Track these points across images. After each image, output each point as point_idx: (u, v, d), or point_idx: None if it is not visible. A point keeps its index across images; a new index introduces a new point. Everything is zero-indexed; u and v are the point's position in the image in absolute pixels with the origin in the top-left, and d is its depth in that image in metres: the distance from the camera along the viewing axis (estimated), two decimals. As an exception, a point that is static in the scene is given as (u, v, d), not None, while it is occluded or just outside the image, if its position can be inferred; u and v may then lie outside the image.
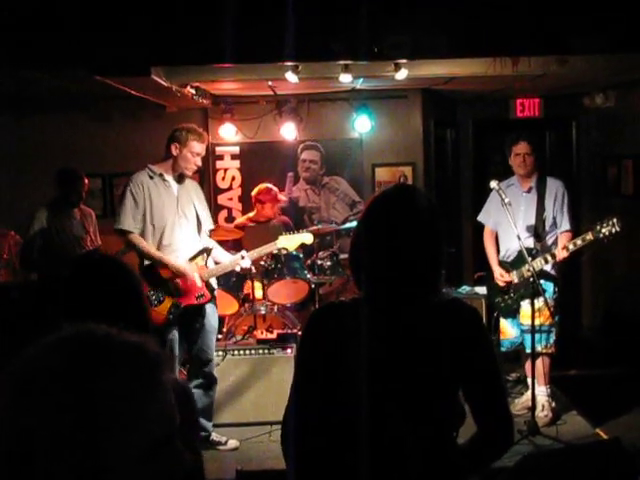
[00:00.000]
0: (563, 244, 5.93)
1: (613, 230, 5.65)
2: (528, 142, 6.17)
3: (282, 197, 7.54)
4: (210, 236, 5.91)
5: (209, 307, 5.70)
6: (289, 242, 6.08)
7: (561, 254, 5.86)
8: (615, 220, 5.65)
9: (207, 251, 5.69)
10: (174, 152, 5.49)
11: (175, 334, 5.55)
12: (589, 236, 5.75)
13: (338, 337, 2.30)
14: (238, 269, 5.92)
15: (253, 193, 7.48)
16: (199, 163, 5.60)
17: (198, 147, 5.52)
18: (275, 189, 7.43)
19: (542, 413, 6.08)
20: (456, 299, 2.49)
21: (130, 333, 1.25)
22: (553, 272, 6.10)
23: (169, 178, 5.54)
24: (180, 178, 5.58)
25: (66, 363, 1.16)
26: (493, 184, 5.94)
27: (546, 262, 5.92)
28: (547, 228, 6.17)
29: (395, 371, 2.25)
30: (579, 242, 5.82)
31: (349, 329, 2.28)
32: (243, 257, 5.79)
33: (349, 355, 2.26)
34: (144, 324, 2.18)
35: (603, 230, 5.68)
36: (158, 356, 1.25)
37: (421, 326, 2.29)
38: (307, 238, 6.23)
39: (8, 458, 1.12)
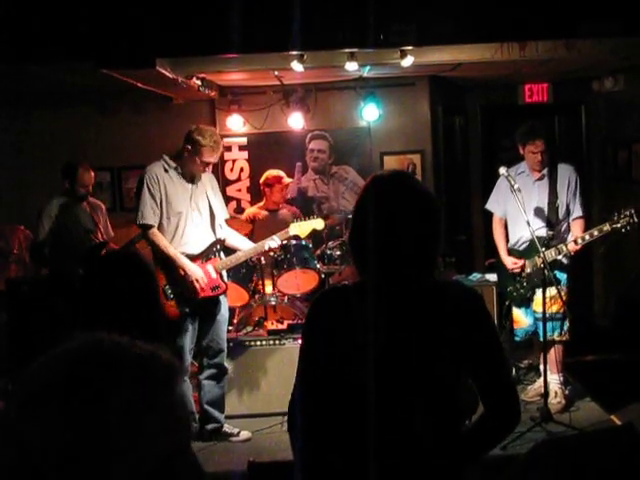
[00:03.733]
0: (575, 235, 5.88)
1: (631, 221, 5.58)
2: (544, 139, 6.06)
3: (288, 180, 7.51)
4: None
5: (222, 298, 5.72)
6: (301, 229, 6.09)
7: (573, 246, 5.80)
8: (633, 211, 5.57)
9: (219, 242, 5.69)
10: (185, 154, 5.47)
11: (190, 326, 5.56)
12: (606, 227, 5.67)
13: (341, 320, 2.31)
14: (266, 247, 5.87)
15: (261, 180, 7.48)
16: (208, 171, 5.57)
17: (210, 158, 5.47)
18: (282, 173, 7.42)
19: (555, 400, 6.05)
20: (456, 281, 2.52)
21: (142, 342, 1.21)
22: (566, 261, 6.04)
23: (184, 173, 5.53)
24: (192, 175, 5.56)
25: (72, 377, 1.14)
26: (502, 170, 5.90)
27: (559, 253, 5.86)
28: (560, 216, 6.10)
29: (398, 352, 2.26)
30: (596, 233, 5.74)
31: (351, 312, 2.28)
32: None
33: (352, 338, 2.27)
34: (158, 322, 2.16)
35: (621, 221, 5.60)
36: (170, 366, 1.21)
37: (422, 307, 2.30)
38: (318, 223, 6.23)
39: (11, 475, 1.10)
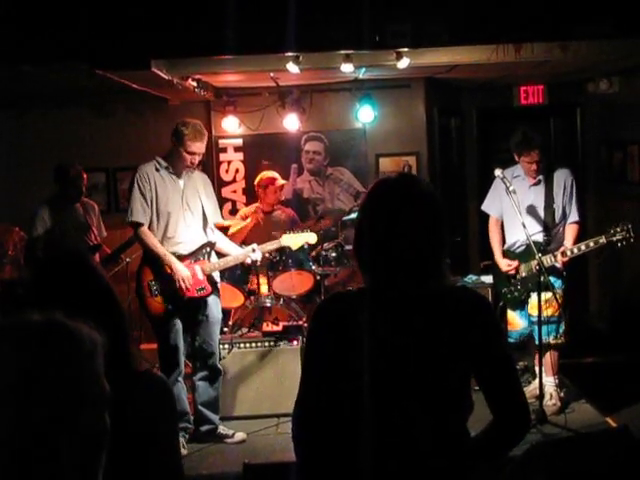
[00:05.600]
0: (565, 245, 5.90)
1: (627, 236, 5.61)
2: (539, 149, 6.02)
3: (282, 181, 7.48)
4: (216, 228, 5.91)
5: (212, 299, 5.70)
6: (293, 241, 6.07)
7: (561, 258, 5.83)
8: (630, 226, 5.61)
9: (210, 245, 5.69)
10: (173, 148, 5.51)
11: (178, 326, 5.57)
12: (602, 240, 5.69)
13: (345, 326, 2.28)
14: (249, 261, 5.90)
15: (255, 182, 7.47)
16: (195, 161, 5.55)
17: (193, 147, 5.46)
18: (276, 174, 7.41)
19: (550, 402, 6.05)
20: (464, 287, 2.48)
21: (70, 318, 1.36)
22: (560, 266, 6.03)
23: (175, 171, 5.54)
24: (180, 170, 5.57)
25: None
26: (497, 172, 5.90)
27: (555, 259, 5.86)
28: (557, 219, 6.10)
29: (402, 358, 2.23)
30: (591, 244, 5.76)
31: (355, 318, 2.26)
32: (254, 250, 5.77)
33: (356, 344, 2.24)
34: (117, 321, 2.14)
35: (617, 236, 5.63)
36: (93, 337, 1.37)
37: (427, 313, 2.27)
38: (311, 238, 6.20)
39: None
